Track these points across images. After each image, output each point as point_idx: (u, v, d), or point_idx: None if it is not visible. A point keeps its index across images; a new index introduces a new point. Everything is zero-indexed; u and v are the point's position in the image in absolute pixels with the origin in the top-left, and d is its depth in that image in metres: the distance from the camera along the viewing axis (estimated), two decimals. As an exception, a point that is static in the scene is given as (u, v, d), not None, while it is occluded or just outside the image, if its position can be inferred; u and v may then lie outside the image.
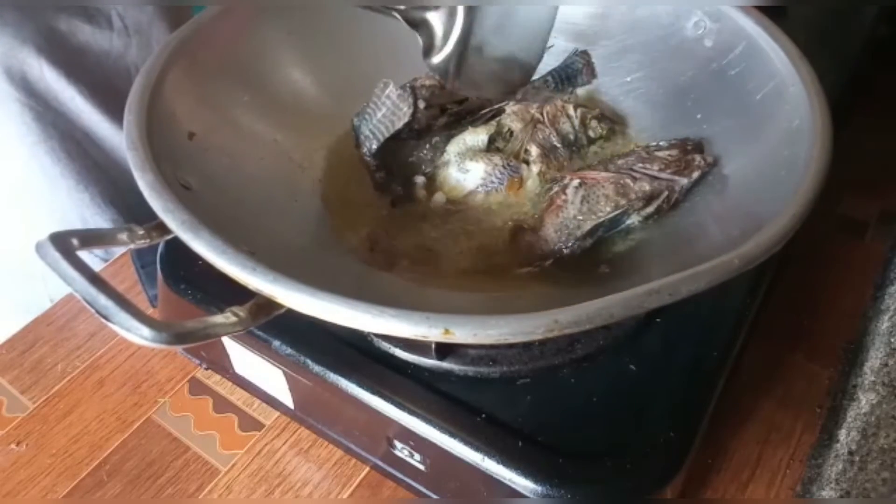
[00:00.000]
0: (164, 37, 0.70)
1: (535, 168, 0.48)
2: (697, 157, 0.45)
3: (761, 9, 0.48)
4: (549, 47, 0.54)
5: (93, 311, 0.31)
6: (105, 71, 0.66)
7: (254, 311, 0.33)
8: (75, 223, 0.69)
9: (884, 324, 0.47)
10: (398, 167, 0.50)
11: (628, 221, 0.43)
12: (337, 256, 0.44)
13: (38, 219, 0.69)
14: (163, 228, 0.37)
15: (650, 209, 0.43)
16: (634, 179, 0.43)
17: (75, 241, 0.34)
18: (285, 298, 0.31)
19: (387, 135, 0.47)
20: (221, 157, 0.44)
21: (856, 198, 0.65)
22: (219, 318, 0.32)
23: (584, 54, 0.53)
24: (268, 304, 0.33)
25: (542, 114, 0.50)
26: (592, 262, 0.44)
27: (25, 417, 0.52)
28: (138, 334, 0.30)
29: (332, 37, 0.54)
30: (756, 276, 0.47)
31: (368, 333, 0.43)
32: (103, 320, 0.30)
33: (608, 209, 0.42)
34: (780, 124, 0.42)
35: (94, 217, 0.70)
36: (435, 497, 0.44)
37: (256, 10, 0.51)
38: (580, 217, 0.43)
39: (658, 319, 0.44)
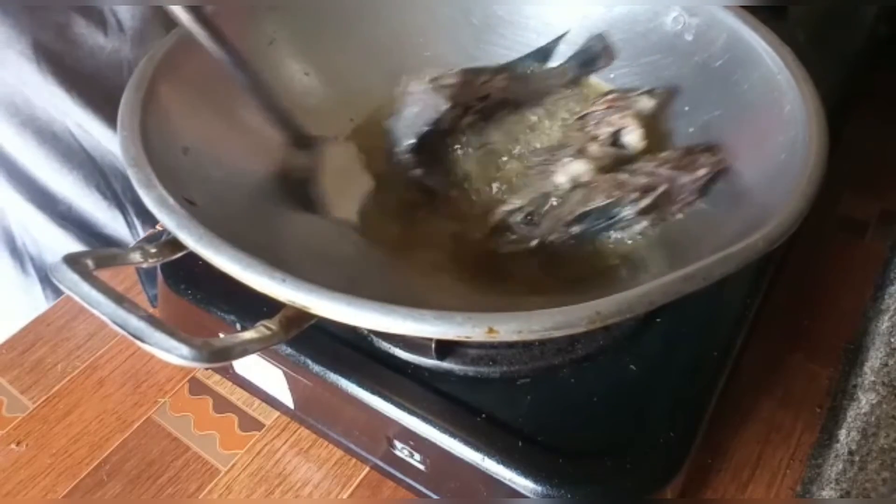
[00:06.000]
0: (159, 33, 0.68)
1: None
2: (703, 156, 0.45)
3: (762, 9, 0.48)
4: (565, 34, 0.54)
5: (124, 332, 0.29)
6: (98, 64, 0.66)
7: (284, 323, 0.31)
8: (59, 203, 0.70)
9: (884, 324, 0.47)
10: (436, 164, 0.49)
11: (623, 213, 0.43)
12: (350, 262, 0.44)
13: (22, 195, 0.69)
14: (175, 245, 0.36)
15: (646, 201, 0.43)
16: (633, 175, 0.44)
17: (90, 263, 0.33)
18: (319, 308, 0.30)
19: (425, 129, 0.47)
20: (217, 170, 0.43)
21: (856, 198, 0.64)
22: (252, 334, 0.31)
23: (601, 38, 0.53)
24: (298, 315, 0.31)
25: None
26: (599, 263, 0.44)
27: (25, 417, 0.52)
28: (177, 354, 0.28)
29: (317, 43, 0.53)
30: (756, 275, 0.47)
31: (368, 333, 0.43)
32: (136, 341, 0.29)
33: (599, 199, 0.43)
34: (771, 111, 0.42)
35: (78, 200, 0.70)
36: (435, 497, 0.44)
37: (239, 16, 0.50)
38: (573, 208, 0.43)
39: (658, 319, 0.44)
